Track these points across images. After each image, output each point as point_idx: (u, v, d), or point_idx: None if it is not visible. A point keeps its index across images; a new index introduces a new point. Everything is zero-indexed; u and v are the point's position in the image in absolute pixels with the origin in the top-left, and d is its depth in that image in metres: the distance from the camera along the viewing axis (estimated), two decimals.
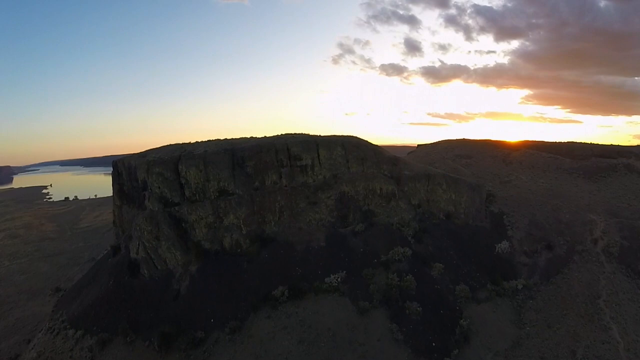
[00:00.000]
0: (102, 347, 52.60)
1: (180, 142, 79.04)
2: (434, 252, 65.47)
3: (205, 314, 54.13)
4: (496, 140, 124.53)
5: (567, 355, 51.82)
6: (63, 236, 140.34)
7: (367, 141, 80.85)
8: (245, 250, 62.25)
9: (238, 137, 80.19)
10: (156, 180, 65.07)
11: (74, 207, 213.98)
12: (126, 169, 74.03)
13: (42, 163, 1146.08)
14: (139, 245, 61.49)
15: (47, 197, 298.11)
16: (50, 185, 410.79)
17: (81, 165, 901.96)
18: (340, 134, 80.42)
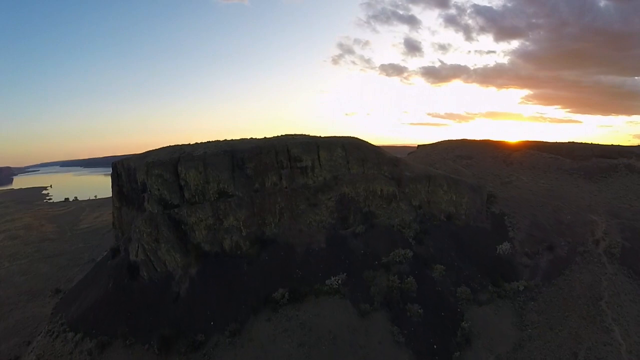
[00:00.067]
0: (101, 350, 52.25)
1: (180, 144, 78.79)
2: (435, 254, 65.19)
3: (205, 316, 53.83)
4: (497, 141, 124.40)
5: (569, 357, 51.53)
6: (63, 237, 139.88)
7: (367, 142, 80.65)
8: (245, 252, 61.96)
9: (238, 137, 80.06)
10: (155, 182, 64.78)
11: (74, 208, 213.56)
12: (125, 171, 73.76)
13: (42, 164, 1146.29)
14: (138, 247, 61.21)
15: (47, 198, 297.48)
16: (50, 186, 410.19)
17: (81, 166, 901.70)
18: (341, 135, 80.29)
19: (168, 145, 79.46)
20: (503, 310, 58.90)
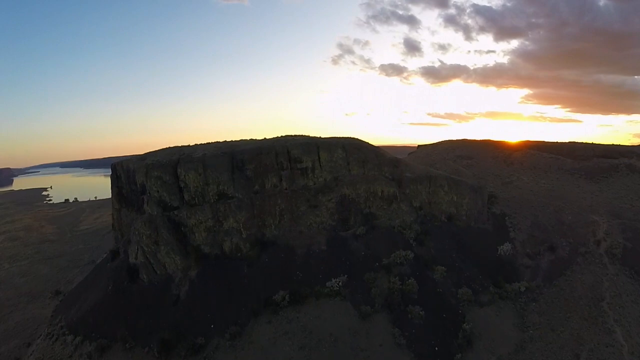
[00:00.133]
0: (101, 354, 52.06)
1: (179, 145, 78.69)
2: (436, 255, 64.95)
3: (205, 319, 53.60)
4: (497, 141, 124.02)
5: (571, 358, 51.25)
6: (63, 238, 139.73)
7: (368, 143, 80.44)
8: (245, 255, 61.72)
9: (238, 137, 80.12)
10: (155, 184, 64.54)
11: (74, 209, 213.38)
12: (125, 172, 73.53)
13: (42, 165, 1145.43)
14: (137, 249, 60.97)
15: (47, 199, 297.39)
16: (50, 187, 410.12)
17: (81, 167, 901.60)
18: (341, 136, 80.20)
19: (167, 146, 79.44)
20: (504, 312, 58.68)
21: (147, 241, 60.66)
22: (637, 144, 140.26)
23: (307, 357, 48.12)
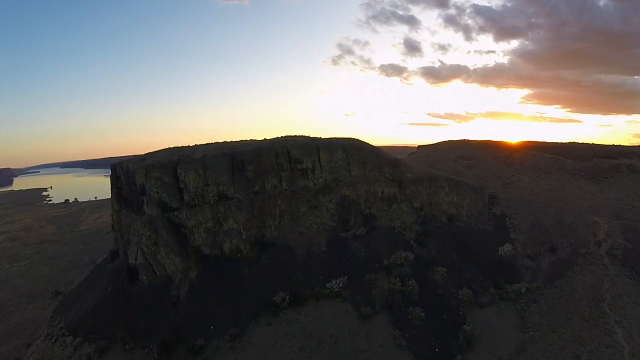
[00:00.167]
0: (100, 355, 51.93)
1: (179, 146, 78.59)
2: (436, 256, 64.82)
3: (205, 320, 53.46)
4: (497, 141, 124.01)
5: None
6: (63, 239, 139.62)
7: (368, 143, 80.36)
8: (245, 256, 61.60)
9: (238, 138, 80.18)
10: (155, 185, 64.43)
11: (74, 209, 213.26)
12: (124, 173, 73.41)
13: (42, 165, 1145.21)
14: (137, 250, 60.86)
15: (47, 199, 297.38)
16: (51, 187, 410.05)
17: (81, 167, 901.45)
18: (341, 136, 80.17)
19: (167, 146, 79.36)
20: (505, 313, 58.55)
21: (146, 242, 60.54)
22: (637, 144, 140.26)
23: (308, 358, 47.97)
